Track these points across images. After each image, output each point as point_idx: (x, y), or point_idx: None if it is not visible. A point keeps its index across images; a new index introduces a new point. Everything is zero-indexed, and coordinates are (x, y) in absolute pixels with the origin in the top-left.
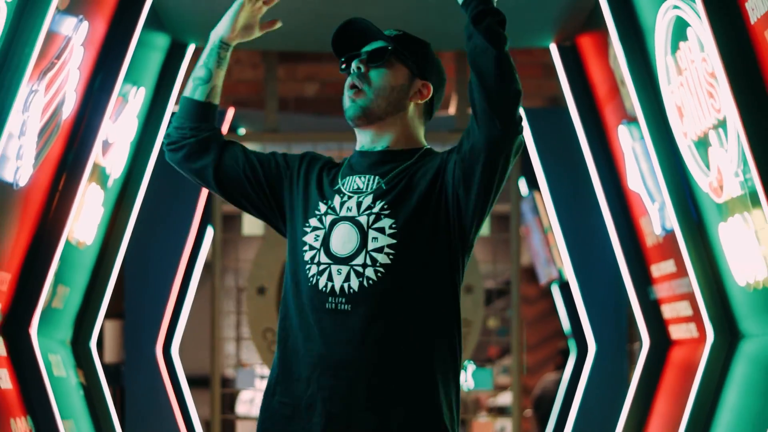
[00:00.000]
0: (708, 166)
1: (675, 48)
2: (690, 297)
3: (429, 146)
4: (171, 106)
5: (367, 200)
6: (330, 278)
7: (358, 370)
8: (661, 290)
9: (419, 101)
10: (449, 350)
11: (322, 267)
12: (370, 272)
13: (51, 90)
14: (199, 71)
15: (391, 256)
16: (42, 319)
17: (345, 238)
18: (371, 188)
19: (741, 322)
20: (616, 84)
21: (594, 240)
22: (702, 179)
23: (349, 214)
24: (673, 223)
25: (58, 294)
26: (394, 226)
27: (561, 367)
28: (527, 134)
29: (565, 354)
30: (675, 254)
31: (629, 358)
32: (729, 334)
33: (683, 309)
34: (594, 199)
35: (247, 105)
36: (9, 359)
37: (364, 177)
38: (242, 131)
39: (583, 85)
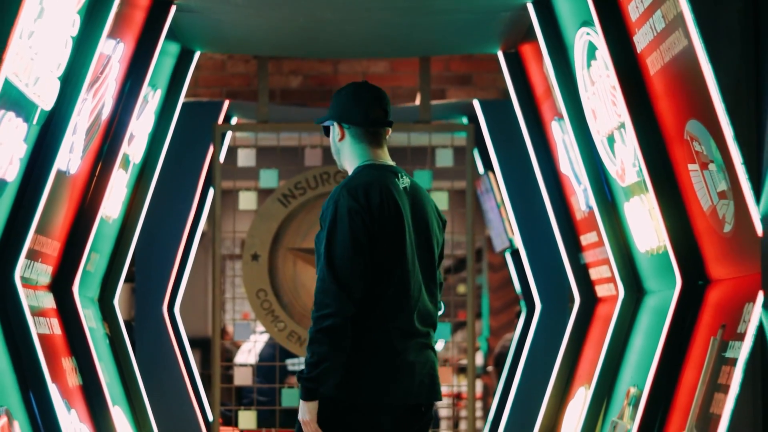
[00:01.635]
0: (615, 157)
1: (589, 64)
2: (608, 262)
3: (358, 164)
4: (180, 102)
5: None
6: None
7: None
8: (588, 256)
9: (342, 137)
10: None
11: None
12: None
13: (96, 98)
14: None
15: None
16: (80, 279)
17: None
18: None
19: (644, 281)
20: (548, 87)
21: (538, 214)
22: (611, 167)
23: None
24: (592, 202)
25: (92, 259)
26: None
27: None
28: (483, 122)
29: (519, 314)
30: (596, 227)
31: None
32: (636, 291)
33: (605, 271)
34: (536, 179)
35: (239, 96)
36: (57, 311)
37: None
38: (235, 120)
39: (525, 86)
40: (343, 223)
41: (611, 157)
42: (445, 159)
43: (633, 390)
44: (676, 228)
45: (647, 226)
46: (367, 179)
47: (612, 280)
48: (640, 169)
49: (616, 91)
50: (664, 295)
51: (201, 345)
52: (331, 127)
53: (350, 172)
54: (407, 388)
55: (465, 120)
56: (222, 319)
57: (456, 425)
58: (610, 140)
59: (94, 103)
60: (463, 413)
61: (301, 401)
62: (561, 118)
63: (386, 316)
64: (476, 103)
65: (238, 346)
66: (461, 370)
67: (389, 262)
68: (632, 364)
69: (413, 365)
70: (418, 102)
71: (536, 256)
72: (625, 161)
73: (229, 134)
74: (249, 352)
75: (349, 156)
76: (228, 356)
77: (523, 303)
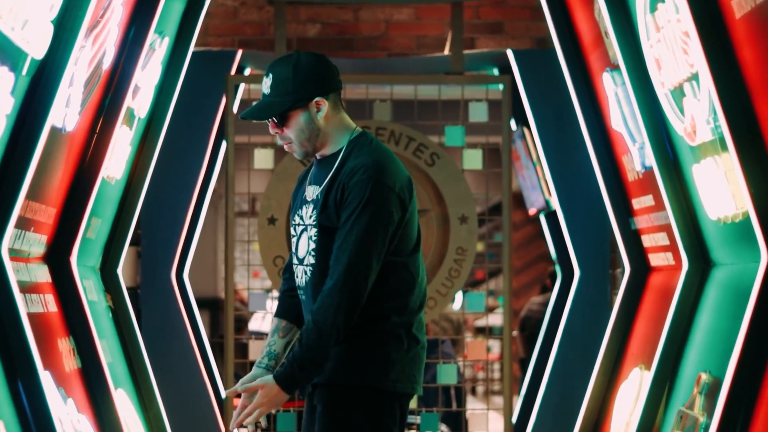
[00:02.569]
0: (683, 113)
1: (653, 8)
2: (667, 228)
3: (351, 134)
4: (190, 51)
5: (313, 210)
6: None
7: None
8: (641, 222)
9: (322, 112)
10: None
11: None
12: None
13: (96, 45)
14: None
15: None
16: (78, 248)
17: (304, 244)
18: (315, 198)
19: (713, 252)
20: (600, 35)
21: (579, 174)
22: (678, 125)
23: (305, 222)
24: (652, 162)
25: (92, 225)
26: (316, 234)
27: (547, 290)
28: (516, 74)
29: (553, 277)
30: (653, 190)
31: (612, 283)
32: (702, 263)
33: (661, 239)
34: (578, 136)
35: (253, 46)
36: (53, 285)
37: (315, 186)
38: (248, 71)
39: (570, 33)
40: (381, 210)
41: (677, 113)
42: (479, 114)
43: (705, 376)
44: (761, 193)
45: (722, 191)
46: (387, 152)
47: (670, 248)
48: (716, 127)
49: (689, 37)
50: (740, 270)
51: (211, 306)
52: (302, 111)
53: (336, 146)
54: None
55: (496, 71)
56: (234, 284)
57: (473, 390)
58: (677, 94)
59: (94, 51)
60: (480, 375)
61: (280, 388)
62: (615, 68)
63: (411, 305)
64: (510, 53)
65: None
66: (478, 330)
67: (416, 247)
68: (701, 346)
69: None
70: (446, 52)
71: (575, 219)
72: (697, 117)
73: (242, 87)
74: (263, 318)
75: (335, 129)
76: (241, 320)
77: (558, 267)
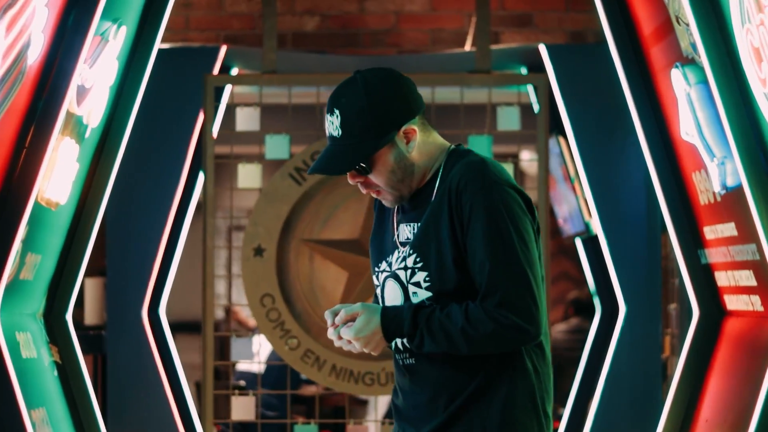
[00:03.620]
0: None
1: None
2: (755, 266)
3: (448, 152)
4: (157, 44)
5: (406, 251)
6: None
7: None
8: (714, 255)
9: (414, 142)
10: None
11: None
12: None
13: (13, 31)
14: None
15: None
16: (7, 293)
17: (393, 294)
18: (412, 237)
19: None
20: (667, 21)
21: (626, 192)
22: None
23: (394, 267)
24: (741, 181)
25: (27, 263)
26: (427, 279)
27: (569, 317)
28: (551, 73)
29: (576, 305)
30: (736, 216)
31: (663, 321)
32: None
33: (744, 278)
34: (626, 147)
35: (240, 41)
36: None
37: (410, 225)
38: (235, 72)
39: (625, 20)
40: (518, 221)
41: None
42: (509, 120)
43: None
44: None
45: None
46: (497, 165)
47: (757, 291)
48: None
49: None
50: None
51: (197, 330)
52: (390, 149)
53: (431, 170)
54: None
55: (524, 71)
56: (212, 331)
57: None
58: None
59: (10, 38)
60: None
61: (380, 325)
62: (689, 62)
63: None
64: (542, 49)
65: (245, 328)
66: None
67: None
68: None
69: None
70: (467, 47)
71: (621, 246)
72: None
73: (227, 90)
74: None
75: (427, 152)
76: (224, 350)
77: (598, 300)
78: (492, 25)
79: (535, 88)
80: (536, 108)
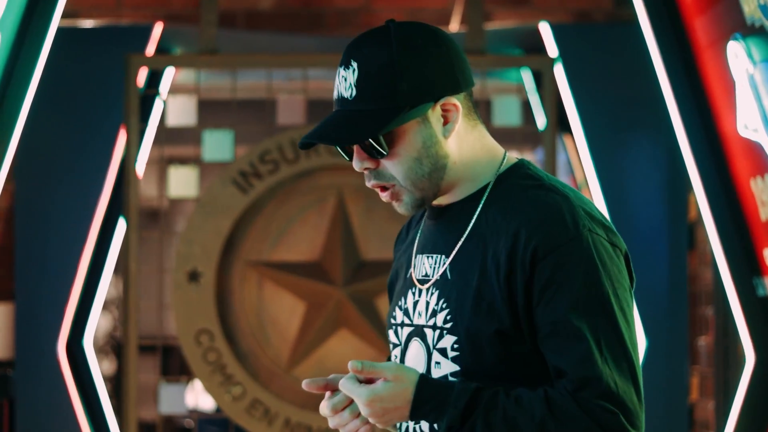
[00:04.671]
0: None
1: None
2: None
3: (500, 165)
4: (43, 58)
5: (433, 299)
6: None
7: None
8: None
9: (453, 124)
10: None
11: None
12: None
13: None
14: None
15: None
16: None
17: (415, 360)
18: (438, 277)
19: None
20: None
21: (643, 201)
22: None
23: (419, 321)
24: None
25: None
26: (456, 347)
27: None
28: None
29: None
30: None
31: (691, 357)
32: None
33: None
34: (644, 146)
35: (183, 20)
36: None
37: (432, 256)
38: (177, 53)
39: None
40: (619, 287)
41: None
42: (507, 114)
43: None
44: None
45: None
46: (575, 191)
47: None
48: None
49: None
50: None
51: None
52: (419, 125)
53: (473, 186)
54: None
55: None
56: (136, 378)
57: None
58: None
59: None
60: None
61: (412, 399)
62: (754, 33)
63: None
64: (545, 29)
65: None
66: None
67: None
68: None
69: None
70: (454, 27)
71: (639, 266)
72: None
73: (169, 75)
74: None
75: (470, 150)
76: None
77: None
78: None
79: (536, 79)
80: (534, 102)
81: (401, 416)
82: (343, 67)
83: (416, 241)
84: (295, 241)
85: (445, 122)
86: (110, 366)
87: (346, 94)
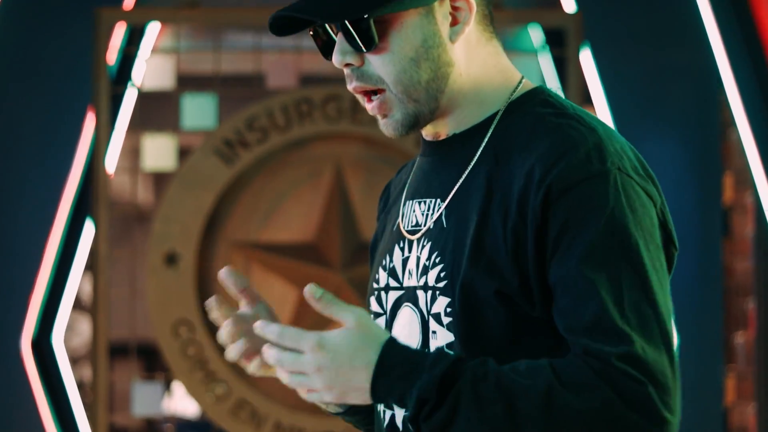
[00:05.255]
0: None
1: None
2: None
3: (513, 90)
4: None
5: (425, 253)
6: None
7: None
8: None
9: (464, 26)
10: None
11: None
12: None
13: None
14: None
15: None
16: None
17: (406, 330)
18: (431, 225)
19: None
20: None
21: (672, 183)
22: None
23: (410, 282)
24: None
25: None
26: (450, 311)
27: None
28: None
29: None
30: None
31: (727, 356)
32: None
33: None
34: (674, 122)
35: None
36: None
37: (425, 201)
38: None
39: None
40: (650, 239)
41: None
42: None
43: None
44: None
45: None
46: (602, 123)
47: None
48: None
49: None
50: None
51: (144, 351)
52: (419, 13)
53: (480, 113)
54: None
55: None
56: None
57: None
58: None
59: None
60: None
61: (375, 364)
62: None
63: None
64: None
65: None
66: None
67: None
68: None
69: None
70: None
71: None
72: None
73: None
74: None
75: (481, 65)
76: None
77: None
78: None
79: (550, 40)
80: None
81: (357, 385)
82: None
83: (406, 187)
84: (287, 219)
85: (454, 22)
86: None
87: None
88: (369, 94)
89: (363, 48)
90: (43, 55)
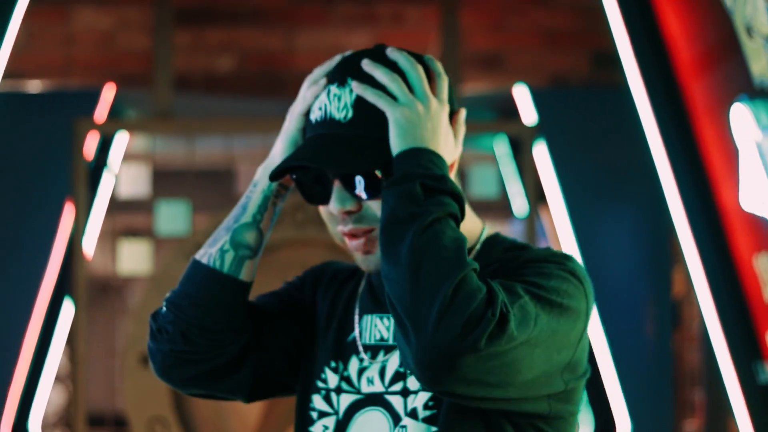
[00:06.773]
0: None
1: None
2: None
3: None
4: None
5: (394, 362)
6: None
7: None
8: None
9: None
10: None
11: None
12: None
13: None
14: (246, 234)
15: None
16: None
17: (373, 427)
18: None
19: None
20: (729, 38)
21: (625, 276)
22: None
23: (371, 389)
24: None
25: None
26: (431, 404)
27: None
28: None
29: None
30: None
31: None
32: None
33: None
34: (626, 218)
35: (137, 83)
36: None
37: (389, 317)
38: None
39: (653, 45)
40: (569, 317)
41: None
42: (484, 184)
43: None
44: None
45: None
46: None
47: None
48: None
49: None
50: None
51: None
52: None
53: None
54: None
55: None
56: None
57: None
58: None
59: None
60: None
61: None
62: (760, 96)
63: None
64: (521, 92)
65: None
66: None
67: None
68: None
69: None
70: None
71: (625, 347)
72: None
73: (122, 141)
74: None
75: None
76: None
77: (591, 413)
78: None
79: (512, 146)
80: (508, 170)
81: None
82: (336, 85)
83: (357, 302)
84: None
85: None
86: None
87: (339, 116)
88: (356, 237)
89: (366, 197)
90: (31, 155)
